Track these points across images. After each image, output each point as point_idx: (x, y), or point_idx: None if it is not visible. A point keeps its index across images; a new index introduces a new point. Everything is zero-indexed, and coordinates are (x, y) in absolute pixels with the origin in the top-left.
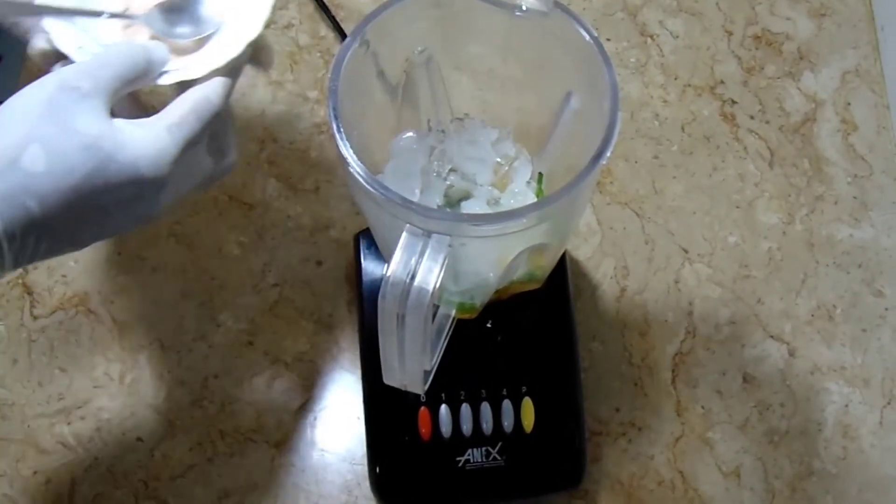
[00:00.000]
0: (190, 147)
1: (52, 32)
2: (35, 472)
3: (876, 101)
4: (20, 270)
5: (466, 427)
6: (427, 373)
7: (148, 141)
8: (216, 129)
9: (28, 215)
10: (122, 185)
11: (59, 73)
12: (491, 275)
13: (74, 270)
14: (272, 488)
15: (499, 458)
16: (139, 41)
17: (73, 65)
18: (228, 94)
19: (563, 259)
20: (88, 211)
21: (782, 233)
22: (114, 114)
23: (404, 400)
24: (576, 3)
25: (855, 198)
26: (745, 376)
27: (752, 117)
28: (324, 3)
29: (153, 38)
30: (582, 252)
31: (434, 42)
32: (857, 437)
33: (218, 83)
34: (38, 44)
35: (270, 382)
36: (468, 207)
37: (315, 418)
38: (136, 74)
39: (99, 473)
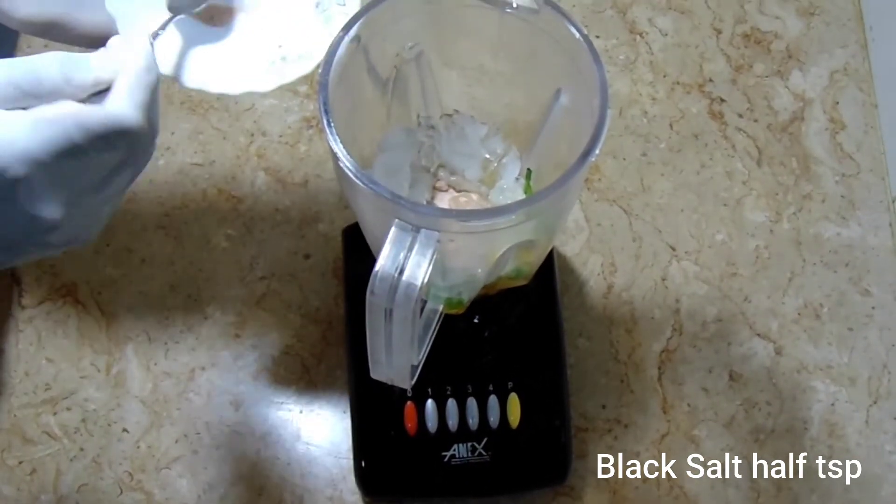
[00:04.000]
0: (65, 156)
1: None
2: (20, 462)
3: (864, 99)
4: None
5: (452, 422)
6: (414, 368)
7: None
8: (128, 144)
9: None
10: None
11: None
12: (479, 270)
13: (63, 261)
14: (257, 481)
15: (484, 453)
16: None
17: None
18: (144, 110)
19: (550, 255)
20: None
21: (770, 231)
22: None
23: (391, 394)
24: (565, 1)
25: (842, 196)
26: (732, 374)
27: (740, 115)
28: None
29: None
30: (569, 248)
31: (425, 38)
32: (844, 435)
33: (131, 94)
34: None
35: (257, 375)
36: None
37: (301, 412)
38: (30, 82)
39: (84, 464)
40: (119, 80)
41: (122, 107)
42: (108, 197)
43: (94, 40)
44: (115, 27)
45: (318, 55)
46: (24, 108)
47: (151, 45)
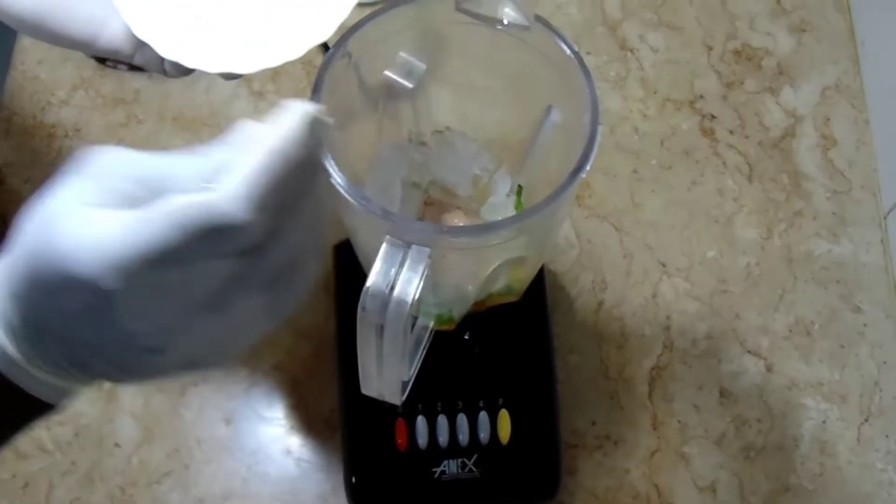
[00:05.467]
0: (161, 265)
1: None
2: (13, 476)
3: (856, 116)
4: None
5: (443, 438)
6: (405, 384)
7: (88, 232)
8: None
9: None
10: (57, 283)
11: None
12: (470, 287)
13: None
14: (248, 497)
15: (475, 469)
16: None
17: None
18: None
19: (541, 272)
20: (49, 314)
21: (761, 248)
22: None
23: (381, 410)
24: (556, 18)
25: (834, 213)
26: (722, 391)
27: (731, 132)
28: None
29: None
30: (560, 265)
31: (416, 55)
32: (834, 453)
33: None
34: None
35: (248, 391)
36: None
37: (291, 427)
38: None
39: (76, 478)
40: (238, 160)
41: (226, 194)
42: (235, 325)
43: (87, 37)
44: (111, 21)
45: (307, 42)
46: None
47: (315, 120)
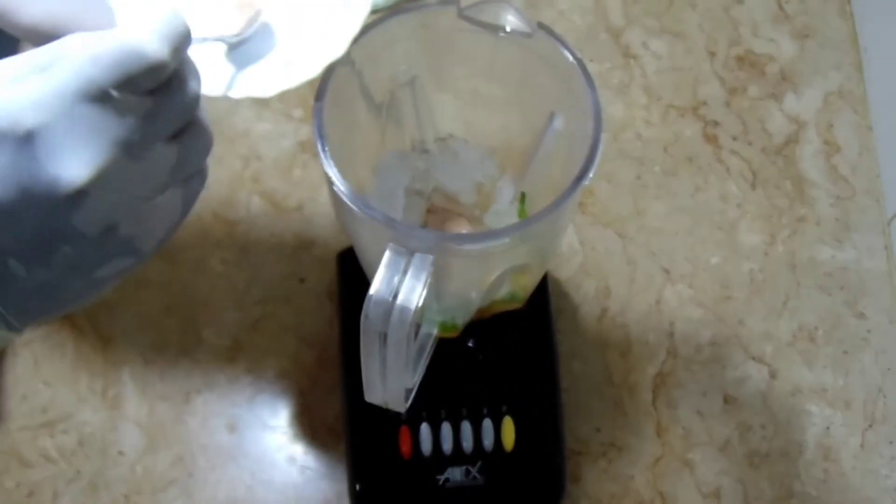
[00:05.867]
0: (82, 100)
1: None
2: (18, 485)
3: (859, 122)
4: None
5: (447, 445)
6: (409, 391)
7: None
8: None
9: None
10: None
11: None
12: (473, 294)
13: None
14: None
15: (479, 476)
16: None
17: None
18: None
19: (544, 279)
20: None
21: (764, 254)
22: None
23: (385, 418)
24: (559, 25)
25: (837, 219)
26: (726, 398)
27: (734, 138)
28: None
29: None
30: (563, 272)
31: (419, 62)
32: (839, 459)
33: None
34: None
35: (252, 398)
36: None
37: (295, 435)
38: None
39: (81, 487)
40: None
41: (139, 32)
42: (151, 180)
43: None
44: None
45: (323, 60)
46: None
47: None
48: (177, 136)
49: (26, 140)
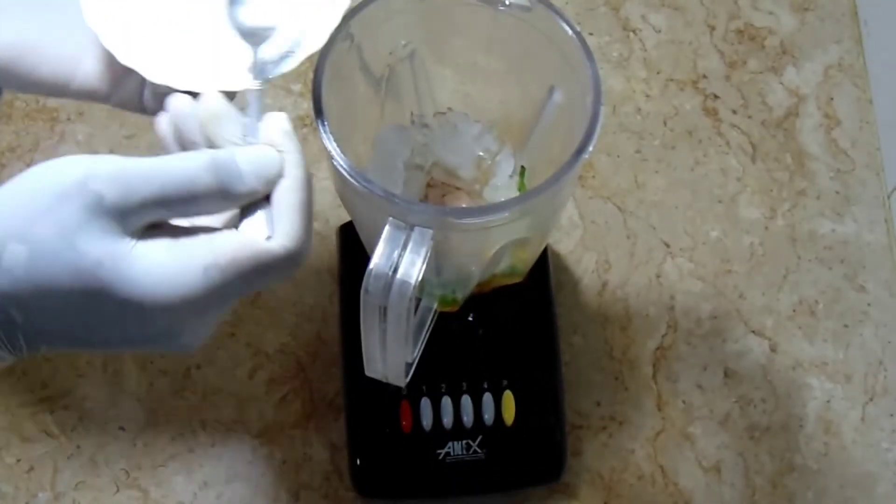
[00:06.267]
0: (229, 297)
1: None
2: (18, 460)
3: (859, 95)
4: None
5: (447, 420)
6: (409, 365)
7: (165, 279)
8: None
9: (8, 318)
10: (119, 321)
11: (92, 163)
12: (473, 268)
13: None
14: (252, 479)
15: (479, 451)
16: (208, 156)
17: (111, 159)
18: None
19: (544, 253)
20: (85, 330)
21: (764, 228)
22: (155, 226)
23: (385, 392)
24: None
25: (837, 193)
26: (727, 371)
27: (734, 112)
28: None
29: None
30: (564, 246)
31: (418, 36)
32: (839, 433)
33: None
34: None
35: (252, 374)
36: None
37: (296, 410)
38: (182, 197)
39: (81, 462)
40: (280, 202)
41: (294, 241)
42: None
43: (61, 79)
44: (84, 60)
45: (301, 53)
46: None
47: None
48: None
49: (171, 327)
